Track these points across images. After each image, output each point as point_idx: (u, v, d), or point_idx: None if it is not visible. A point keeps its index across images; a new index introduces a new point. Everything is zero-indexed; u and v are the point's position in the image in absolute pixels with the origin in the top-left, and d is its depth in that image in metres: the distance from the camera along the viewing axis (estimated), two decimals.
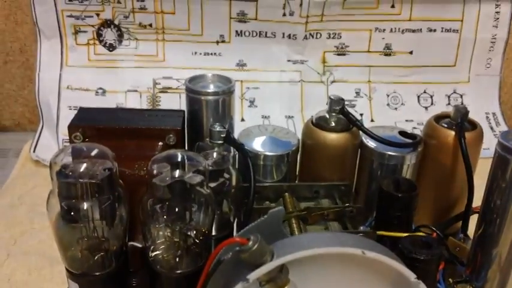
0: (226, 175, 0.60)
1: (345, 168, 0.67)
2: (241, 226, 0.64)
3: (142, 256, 0.57)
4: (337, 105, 0.65)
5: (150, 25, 1.03)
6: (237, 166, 0.64)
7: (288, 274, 0.41)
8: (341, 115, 0.65)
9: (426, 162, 0.68)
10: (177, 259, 0.54)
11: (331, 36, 1.07)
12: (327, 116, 0.66)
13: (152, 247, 0.54)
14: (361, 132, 0.67)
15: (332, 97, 0.65)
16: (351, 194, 0.66)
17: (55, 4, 0.99)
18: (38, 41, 1.02)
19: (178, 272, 0.53)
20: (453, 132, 0.66)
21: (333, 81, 1.09)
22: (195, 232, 0.54)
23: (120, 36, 1.03)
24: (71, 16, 1.01)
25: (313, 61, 1.08)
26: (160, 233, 0.54)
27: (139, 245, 0.59)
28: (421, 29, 1.08)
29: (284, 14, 1.02)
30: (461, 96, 1.13)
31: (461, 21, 1.09)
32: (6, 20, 1.03)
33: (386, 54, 1.10)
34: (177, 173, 0.51)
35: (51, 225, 0.51)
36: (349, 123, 0.66)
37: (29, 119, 1.12)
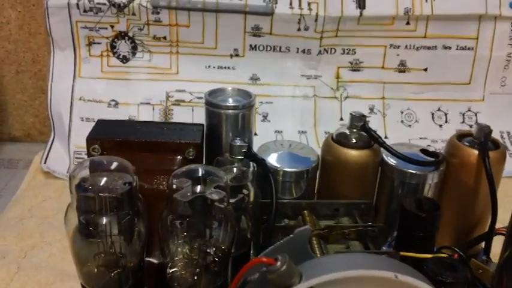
0: (245, 191, 0.59)
1: (365, 185, 0.66)
2: (259, 244, 0.62)
3: (158, 273, 0.56)
4: (359, 122, 0.64)
5: (165, 38, 1.02)
6: (255, 181, 0.62)
7: None
8: (362, 131, 0.64)
9: (448, 181, 0.67)
10: (195, 277, 0.52)
11: (346, 51, 1.06)
12: (348, 132, 0.65)
13: (170, 264, 0.53)
14: (382, 149, 0.65)
15: (353, 113, 0.64)
16: (371, 212, 0.64)
17: (69, 15, 0.98)
18: (52, 52, 1.01)
19: None
20: (476, 151, 0.65)
21: (346, 97, 1.08)
22: (214, 249, 0.52)
23: (134, 49, 1.02)
24: (85, 27, 1.00)
25: (327, 76, 1.07)
26: (179, 249, 0.53)
27: (156, 261, 0.58)
28: (436, 46, 1.07)
29: (299, 29, 1.02)
30: (475, 114, 1.12)
31: (477, 39, 1.08)
32: (19, 30, 1.03)
33: (400, 71, 1.09)
34: (198, 188, 0.49)
35: (68, 240, 0.50)
36: (371, 140, 0.64)
37: (39, 130, 1.11)
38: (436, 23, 1.05)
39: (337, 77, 1.08)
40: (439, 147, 1.07)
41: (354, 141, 0.65)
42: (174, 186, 0.49)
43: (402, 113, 1.10)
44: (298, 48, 1.04)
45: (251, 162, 0.60)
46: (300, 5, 1.00)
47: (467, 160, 0.65)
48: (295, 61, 1.05)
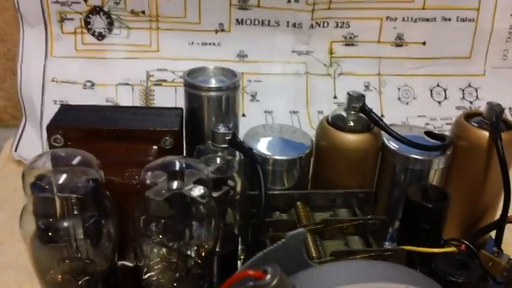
0: (231, 183, 0.52)
1: (364, 173, 0.60)
2: (248, 242, 0.56)
3: (134, 277, 0.50)
4: (357, 102, 0.57)
5: (143, 12, 0.94)
6: (242, 172, 0.56)
7: None
8: (361, 113, 0.58)
9: (455, 166, 0.61)
10: (175, 284, 0.46)
11: (339, 25, 1.00)
12: (345, 114, 0.59)
13: (145, 269, 0.47)
14: (382, 132, 0.59)
15: (351, 93, 0.58)
16: (371, 202, 0.58)
17: None
18: (21, 29, 0.94)
19: None
20: (487, 133, 0.59)
21: (340, 74, 1.02)
22: (196, 251, 0.46)
23: (110, 25, 0.95)
24: (56, 2, 0.92)
25: (319, 52, 1.01)
26: (155, 250, 0.47)
27: (131, 264, 0.51)
28: (435, 18, 1.01)
29: (289, 1, 0.95)
30: (476, 89, 1.07)
31: (478, 9, 1.02)
32: None
33: (397, 45, 1.03)
34: (174, 184, 0.43)
35: (26, 245, 0.43)
36: (370, 123, 0.58)
37: (11, 114, 1.03)
38: None
39: (330, 53, 1.01)
40: (438, 125, 1.02)
41: (352, 124, 0.58)
42: (147, 181, 0.43)
43: (399, 89, 1.04)
44: (288, 22, 0.97)
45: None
46: None
47: (476, 143, 0.59)
48: (285, 36, 0.98)
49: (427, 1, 1.00)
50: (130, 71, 0.96)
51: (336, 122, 0.59)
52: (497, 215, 0.61)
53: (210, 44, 0.98)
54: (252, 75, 0.99)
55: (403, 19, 1.01)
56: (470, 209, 0.63)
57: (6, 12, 0.95)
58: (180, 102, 0.60)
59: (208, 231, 0.46)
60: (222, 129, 0.50)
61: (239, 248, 0.57)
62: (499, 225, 0.59)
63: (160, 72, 0.97)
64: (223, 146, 0.51)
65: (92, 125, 0.50)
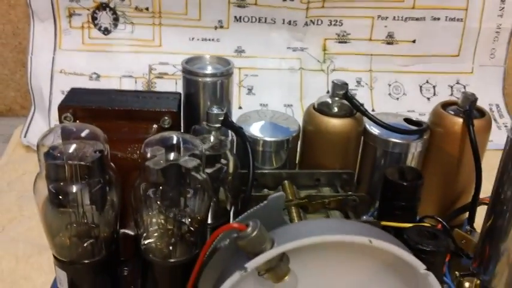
0: (223, 161, 0.57)
1: (347, 155, 0.64)
2: (238, 215, 0.61)
3: (134, 244, 0.55)
4: (341, 90, 0.62)
5: (147, 9, 1.00)
6: (235, 152, 0.61)
7: (288, 263, 0.39)
8: (344, 100, 0.62)
9: (432, 150, 0.66)
10: (171, 247, 0.51)
11: (333, 23, 1.04)
12: (330, 101, 0.64)
13: (145, 235, 0.51)
14: (365, 118, 0.64)
15: (335, 81, 0.62)
16: (353, 182, 0.63)
17: None
18: (31, 24, 0.99)
19: (172, 261, 0.50)
20: (461, 120, 0.63)
21: (333, 70, 1.07)
22: (190, 219, 0.51)
23: (116, 20, 1.00)
24: None
25: (313, 48, 1.06)
26: (153, 219, 0.51)
27: (132, 233, 0.56)
28: (424, 18, 1.06)
29: (284, 0, 0.99)
30: (464, 87, 1.11)
31: (466, 9, 1.07)
32: None
33: (388, 43, 1.07)
34: (171, 156, 0.48)
35: (38, 210, 0.48)
36: (353, 109, 0.63)
37: (21, 105, 1.08)
38: None
39: (324, 49, 1.06)
40: (427, 120, 1.06)
41: (336, 110, 0.63)
42: (147, 154, 0.48)
43: (390, 85, 1.09)
44: (284, 20, 1.02)
45: (230, 132, 0.58)
46: None
47: (451, 129, 0.64)
48: (281, 33, 1.03)
49: (417, 1, 1.04)
50: (134, 64, 1.01)
51: (322, 108, 0.64)
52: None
53: (209, 39, 1.03)
54: (249, 69, 1.04)
55: (394, 18, 1.05)
56: (446, 190, 0.67)
57: (18, 7, 1.01)
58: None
59: (201, 201, 0.50)
60: (215, 110, 0.55)
61: (230, 221, 0.62)
62: (472, 206, 0.64)
63: (162, 66, 1.02)
64: (216, 125, 0.56)
65: (99, 106, 0.55)
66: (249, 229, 0.37)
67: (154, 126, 0.56)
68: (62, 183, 0.46)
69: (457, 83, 1.11)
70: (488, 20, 1.08)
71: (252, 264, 0.37)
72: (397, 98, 1.09)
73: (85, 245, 0.50)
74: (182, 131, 0.62)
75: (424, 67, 1.10)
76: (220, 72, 0.61)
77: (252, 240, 0.37)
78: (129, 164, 0.53)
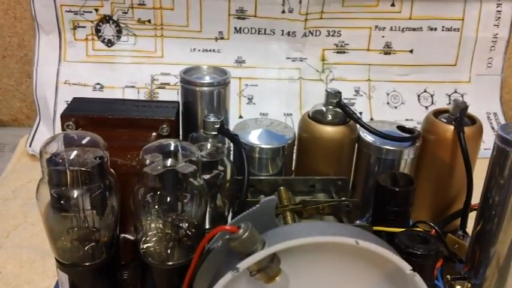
0: (220, 167, 0.59)
1: (341, 162, 0.66)
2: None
3: (134, 249, 0.56)
4: (334, 98, 0.64)
5: (149, 21, 1.02)
6: (232, 159, 0.63)
7: (279, 264, 0.40)
8: (338, 108, 0.64)
9: (424, 157, 0.67)
10: (169, 251, 0.53)
11: (331, 33, 1.06)
12: (324, 109, 0.65)
13: (143, 239, 0.53)
14: (358, 126, 0.66)
15: (329, 90, 0.64)
16: (347, 189, 0.65)
17: None
18: (37, 36, 1.02)
19: (170, 264, 0.52)
20: (452, 127, 0.65)
21: (332, 79, 1.09)
22: (187, 224, 0.53)
23: (119, 32, 1.03)
24: (69, 11, 1.00)
25: (312, 59, 1.08)
26: (152, 224, 0.53)
27: (132, 238, 0.58)
28: (421, 28, 1.08)
29: (283, 11, 1.02)
30: (462, 95, 1.12)
31: (462, 20, 1.08)
32: (5, 15, 1.03)
33: (386, 53, 1.09)
34: (169, 162, 0.50)
35: (41, 215, 0.50)
36: (346, 117, 0.65)
37: (26, 115, 1.11)
38: (421, 4, 1.05)
39: (323, 59, 1.08)
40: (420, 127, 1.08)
41: (330, 118, 0.65)
42: (146, 160, 0.49)
43: (388, 94, 1.10)
44: (283, 31, 1.04)
45: (226, 139, 0.60)
46: None
47: (443, 136, 0.65)
48: (280, 43, 1.05)
49: (413, 11, 1.06)
50: (136, 75, 1.03)
51: (316, 116, 0.66)
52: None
53: (210, 50, 1.05)
54: (249, 79, 1.06)
55: (391, 28, 1.07)
56: (439, 196, 0.68)
57: (24, 20, 1.03)
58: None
59: (198, 206, 0.52)
60: (212, 118, 0.57)
61: None
62: (464, 211, 0.65)
63: (164, 76, 1.04)
64: (213, 133, 0.57)
65: (100, 114, 0.57)
66: (241, 231, 0.39)
67: (153, 134, 0.58)
68: (63, 188, 0.48)
69: (455, 91, 1.12)
70: (485, 30, 1.09)
71: (243, 265, 0.39)
72: (396, 107, 1.10)
73: (86, 248, 0.52)
74: (181, 138, 0.64)
75: (421, 76, 1.11)
76: (217, 82, 0.64)
77: (244, 241, 0.39)
78: (129, 171, 0.55)
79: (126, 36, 1.03)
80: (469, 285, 0.59)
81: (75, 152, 0.48)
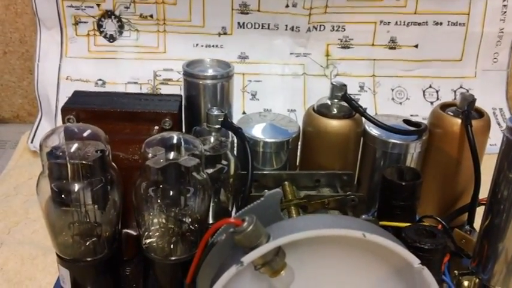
0: (224, 161, 0.58)
1: (347, 156, 0.65)
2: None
3: (136, 244, 0.56)
4: (339, 91, 0.63)
5: (151, 16, 1.01)
6: (235, 153, 0.62)
7: (284, 257, 0.39)
8: (343, 101, 0.63)
9: (431, 151, 0.66)
10: (172, 246, 0.52)
11: (335, 28, 1.05)
12: (329, 102, 0.64)
13: (146, 234, 0.52)
14: (364, 119, 0.65)
15: (334, 83, 0.63)
16: (353, 183, 0.64)
17: None
18: (38, 32, 1.01)
19: (173, 259, 0.51)
20: (459, 120, 0.64)
21: (336, 75, 1.08)
22: (190, 219, 0.52)
23: (121, 28, 1.02)
24: (71, 6, 1.00)
25: (316, 54, 1.07)
26: (155, 219, 0.52)
27: (134, 233, 0.57)
28: (426, 22, 1.07)
29: (287, 6, 1.01)
30: (467, 91, 1.11)
31: (468, 14, 1.07)
32: (6, 10, 1.02)
33: (391, 48, 1.08)
34: (171, 155, 0.49)
35: (41, 210, 0.50)
36: (352, 110, 0.64)
37: (28, 111, 1.10)
38: None
39: (327, 55, 1.07)
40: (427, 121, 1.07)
41: (335, 111, 0.64)
42: (148, 154, 0.49)
43: (393, 90, 1.09)
44: (286, 26, 1.03)
45: (230, 133, 0.59)
46: None
47: (450, 129, 0.64)
48: (284, 39, 1.05)
49: (418, 6, 1.05)
50: (139, 71, 1.02)
51: (321, 110, 0.64)
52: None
53: (213, 46, 1.04)
54: (252, 75, 1.05)
55: (396, 23, 1.06)
56: (446, 190, 0.67)
57: (25, 16, 1.03)
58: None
59: (201, 200, 0.51)
60: (215, 111, 0.56)
61: None
62: (471, 206, 0.64)
63: (167, 72, 1.03)
64: (216, 126, 0.57)
65: (101, 108, 0.56)
66: (245, 224, 0.38)
67: (156, 127, 0.57)
68: (64, 182, 0.47)
69: (461, 87, 1.11)
70: (491, 25, 1.08)
71: (248, 258, 0.38)
72: (401, 103, 1.09)
73: (87, 243, 0.51)
74: (184, 132, 0.63)
75: (426, 72, 1.10)
76: (220, 75, 0.63)
77: (248, 234, 0.38)
78: (131, 165, 0.54)
79: (128, 31, 1.02)
80: (477, 280, 0.58)
81: (75, 145, 0.48)
